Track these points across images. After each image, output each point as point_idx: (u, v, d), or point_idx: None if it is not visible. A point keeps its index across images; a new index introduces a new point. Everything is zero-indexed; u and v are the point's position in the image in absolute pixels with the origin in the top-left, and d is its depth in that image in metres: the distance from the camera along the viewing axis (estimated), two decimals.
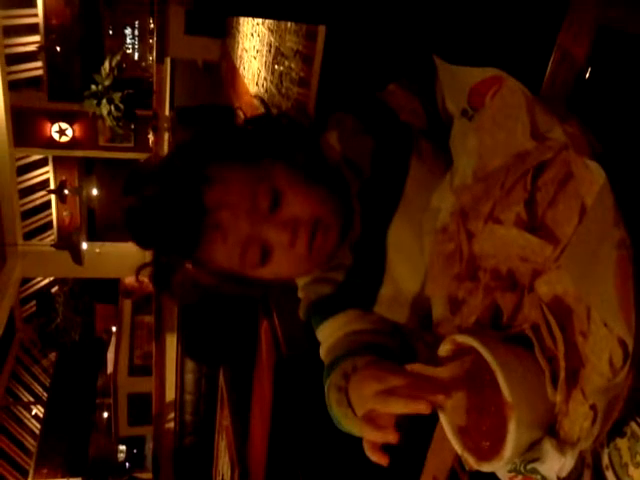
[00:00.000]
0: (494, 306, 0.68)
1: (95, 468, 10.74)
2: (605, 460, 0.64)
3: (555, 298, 0.61)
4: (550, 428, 0.65)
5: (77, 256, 7.73)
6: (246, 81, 4.98)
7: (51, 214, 11.22)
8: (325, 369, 0.98)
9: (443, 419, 0.71)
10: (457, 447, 0.70)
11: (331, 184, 0.97)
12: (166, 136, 7.94)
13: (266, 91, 3.74)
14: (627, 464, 0.62)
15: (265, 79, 3.89)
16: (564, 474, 0.61)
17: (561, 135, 0.59)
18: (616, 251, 0.49)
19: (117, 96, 9.23)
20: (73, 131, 10.21)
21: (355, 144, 1.00)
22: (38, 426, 11.32)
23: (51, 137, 10.13)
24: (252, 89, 4.38)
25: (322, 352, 1.02)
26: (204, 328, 4.20)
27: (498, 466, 0.66)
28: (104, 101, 9.24)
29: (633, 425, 0.61)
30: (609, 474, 0.64)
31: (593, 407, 0.58)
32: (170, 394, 5.75)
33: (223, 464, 4.15)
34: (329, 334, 1.00)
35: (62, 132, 10.14)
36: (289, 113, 1.07)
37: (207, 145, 0.98)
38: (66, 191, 10.59)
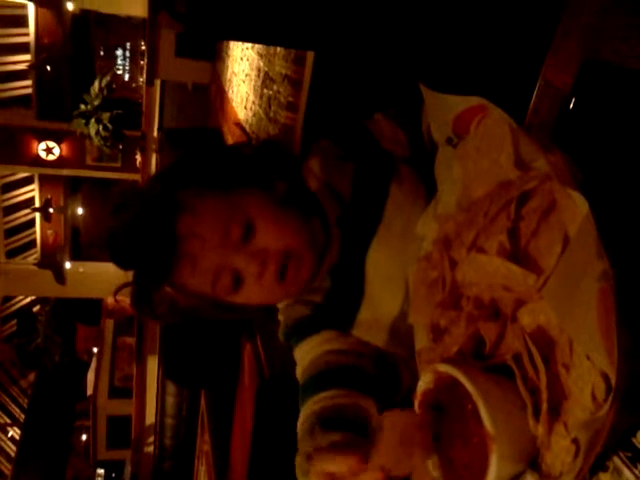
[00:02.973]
0: (477, 335, 0.67)
1: None
2: None
3: (538, 328, 0.61)
4: (532, 461, 0.64)
5: (60, 275, 7.65)
6: (234, 104, 5.00)
7: (35, 232, 11.13)
8: (300, 391, 0.98)
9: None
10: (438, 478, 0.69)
11: (310, 212, 0.98)
12: (154, 157, 7.93)
13: (254, 115, 3.76)
14: None
15: (253, 103, 3.91)
16: None
17: (545, 165, 0.59)
18: (599, 283, 0.49)
19: (106, 116, 9.24)
20: (60, 150, 10.18)
21: (336, 170, 1.00)
22: (14, 448, 11.09)
23: (38, 155, 10.09)
24: (240, 113, 4.40)
25: (298, 372, 1.02)
26: (186, 351, 4.16)
27: None
28: (92, 121, 9.24)
29: (616, 459, 0.60)
30: None
31: (575, 441, 0.57)
32: (150, 417, 5.67)
33: None
34: (305, 353, 1.00)
35: (49, 150, 10.11)
36: (273, 140, 1.08)
37: (184, 172, 0.99)
38: (51, 210, 10.52)
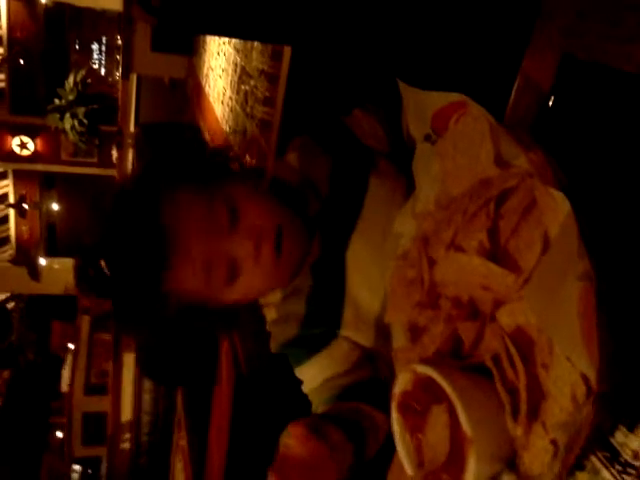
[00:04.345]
0: (455, 335, 0.67)
1: None
2: None
3: (517, 329, 0.60)
4: (510, 461, 0.64)
5: (34, 272, 7.54)
6: (211, 99, 4.95)
7: (9, 229, 10.96)
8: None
9: (401, 451, 0.69)
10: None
11: (290, 200, 0.97)
12: (130, 152, 7.85)
13: (231, 110, 3.73)
14: None
15: (230, 98, 3.87)
16: None
17: (525, 163, 0.58)
18: (580, 283, 0.48)
19: (81, 111, 9.11)
20: (35, 145, 10.02)
21: (314, 165, 1.00)
22: None
23: (12, 150, 9.92)
24: (217, 108, 4.36)
25: (305, 390, 1.03)
26: (162, 348, 4.12)
27: None
28: (67, 115, 9.10)
29: (593, 459, 0.59)
30: None
31: (554, 442, 0.57)
32: (126, 414, 5.62)
33: None
34: (310, 378, 1.01)
35: (23, 146, 9.95)
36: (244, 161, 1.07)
37: (165, 170, 0.97)
38: (25, 205, 10.36)
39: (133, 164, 7.38)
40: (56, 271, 8.47)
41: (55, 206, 10.09)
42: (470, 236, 0.64)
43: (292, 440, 0.77)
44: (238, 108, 3.53)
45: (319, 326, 1.01)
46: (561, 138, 0.73)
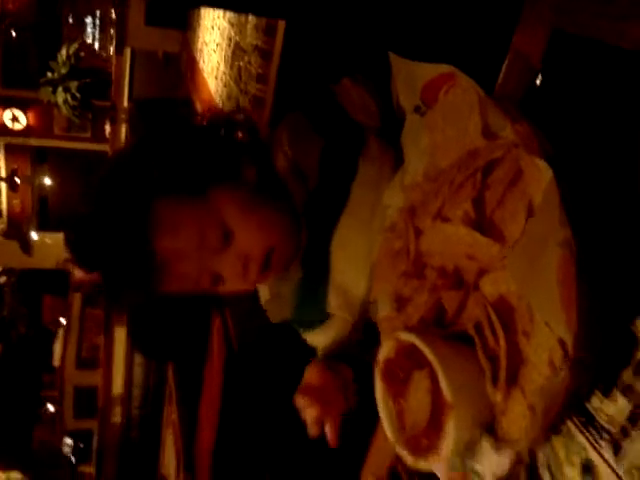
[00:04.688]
0: (439, 304, 0.68)
1: (37, 461, 10.47)
2: (541, 458, 0.65)
3: (499, 297, 0.61)
4: (489, 427, 0.65)
5: (26, 246, 7.52)
6: (205, 75, 4.91)
7: (0, 203, 10.90)
8: None
9: (383, 417, 0.71)
10: (396, 444, 0.70)
11: (280, 197, 0.97)
12: (124, 128, 7.79)
13: (225, 85, 3.71)
14: (562, 462, 0.62)
15: (224, 73, 3.84)
16: (501, 472, 0.62)
17: (512, 134, 0.59)
18: (560, 251, 0.49)
19: (74, 85, 9.00)
20: (27, 119, 9.91)
21: (304, 147, 0.98)
22: None
23: (3, 124, 9.82)
24: (211, 83, 4.33)
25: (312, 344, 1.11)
26: (154, 323, 4.14)
27: (435, 464, 0.66)
28: (60, 89, 9.00)
29: (569, 423, 0.61)
30: (544, 472, 0.64)
31: (532, 407, 0.58)
32: (117, 387, 5.65)
33: (169, 457, 4.10)
34: (316, 341, 1.09)
35: (15, 119, 9.84)
36: (240, 119, 1.05)
37: (152, 179, 0.93)
38: (17, 179, 10.29)
39: (126, 140, 7.33)
40: (48, 245, 8.45)
41: (47, 180, 10.01)
42: (456, 206, 0.65)
43: (313, 372, 0.98)
44: (232, 83, 3.51)
45: (310, 313, 1.05)
46: (549, 111, 0.73)
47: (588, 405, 0.59)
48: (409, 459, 0.68)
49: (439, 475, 0.78)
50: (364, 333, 1.07)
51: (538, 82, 0.77)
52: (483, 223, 0.62)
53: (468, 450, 0.65)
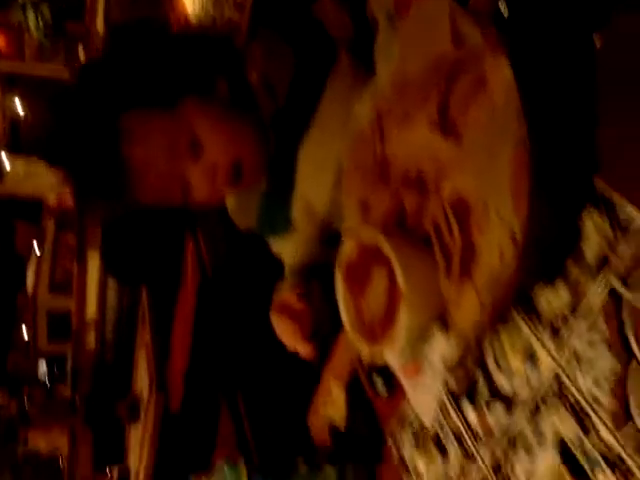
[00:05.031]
0: (401, 207, 0.71)
1: (13, 380, 10.59)
2: (488, 349, 0.70)
3: (458, 198, 0.65)
4: (442, 320, 0.70)
5: None
6: None
7: None
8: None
9: (343, 313, 0.75)
10: (353, 335, 0.74)
11: (250, 110, 0.99)
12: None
13: (202, 7, 3.62)
14: (506, 350, 0.68)
15: None
16: (450, 359, 0.67)
17: (479, 39, 0.61)
18: (515, 146, 0.53)
19: (45, 6, 8.64)
20: None
21: (276, 61, 1.00)
22: None
23: None
24: (188, 4, 4.22)
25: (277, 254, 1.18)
26: (126, 246, 4.15)
27: (390, 354, 0.71)
28: (31, 11, 8.63)
29: (515, 315, 0.66)
30: (489, 360, 0.70)
31: (481, 299, 0.63)
32: (91, 310, 5.70)
33: (142, 378, 4.19)
34: (285, 252, 1.15)
35: None
36: (211, 30, 1.06)
37: (121, 90, 0.95)
38: None
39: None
40: (22, 173, 8.29)
41: (19, 105, 9.69)
42: (422, 112, 0.67)
43: (285, 291, 1.06)
44: (209, 5, 3.44)
45: (273, 224, 1.11)
46: (522, 24, 0.74)
47: (533, 296, 0.64)
48: (365, 350, 0.74)
49: (393, 367, 0.84)
50: (331, 244, 1.12)
51: None
52: (446, 127, 0.65)
53: (420, 339, 0.71)
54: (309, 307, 1.02)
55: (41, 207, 9.11)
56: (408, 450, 0.87)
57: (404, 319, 0.65)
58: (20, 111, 10.01)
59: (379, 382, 0.89)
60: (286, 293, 1.06)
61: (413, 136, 0.69)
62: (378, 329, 0.70)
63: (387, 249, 0.66)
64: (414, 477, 0.86)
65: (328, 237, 1.10)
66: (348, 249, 0.74)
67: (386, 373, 0.88)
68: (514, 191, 0.54)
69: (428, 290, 0.66)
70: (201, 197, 0.99)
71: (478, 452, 0.72)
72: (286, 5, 1.10)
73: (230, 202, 1.14)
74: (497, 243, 0.59)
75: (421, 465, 0.84)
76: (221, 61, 1.01)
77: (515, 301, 0.64)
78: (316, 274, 1.06)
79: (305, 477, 0.94)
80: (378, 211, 0.75)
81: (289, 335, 1.04)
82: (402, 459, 0.88)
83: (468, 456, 0.74)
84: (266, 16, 1.10)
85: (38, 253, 8.32)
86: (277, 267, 1.22)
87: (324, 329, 1.04)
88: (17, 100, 10.07)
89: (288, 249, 1.15)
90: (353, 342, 0.76)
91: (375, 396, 0.91)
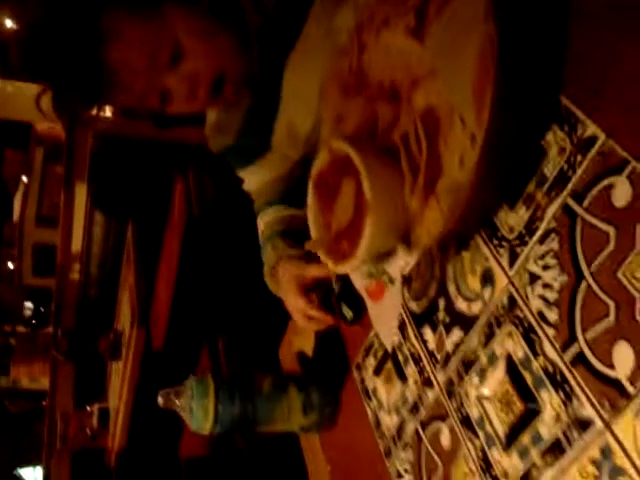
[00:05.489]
0: (373, 117, 0.70)
1: None
2: (449, 272, 0.70)
3: (428, 109, 0.63)
4: (406, 238, 0.69)
5: None
6: None
7: None
8: (255, 204, 1.16)
9: (311, 222, 0.75)
10: (320, 250, 0.74)
11: (235, 20, 0.95)
12: None
13: None
14: (466, 273, 0.67)
15: None
16: (407, 270, 0.66)
17: None
18: (481, 44, 0.51)
19: None
20: None
21: None
22: None
23: None
24: None
25: (246, 189, 1.17)
26: (115, 180, 4.11)
27: (353, 266, 0.70)
28: None
29: (477, 238, 0.66)
30: (450, 284, 0.70)
31: (442, 211, 0.62)
32: (77, 246, 5.67)
33: (125, 315, 4.21)
34: (249, 181, 1.14)
35: None
36: None
37: None
38: None
39: None
40: (10, 94, 8.15)
41: (8, 23, 9.43)
42: (399, 18, 0.65)
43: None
44: None
45: (252, 140, 1.07)
46: None
47: (495, 219, 0.63)
48: (330, 264, 0.73)
49: (356, 285, 0.84)
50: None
51: None
52: (422, 33, 0.63)
53: (384, 256, 0.70)
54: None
55: (29, 132, 8.97)
56: (370, 377, 0.87)
57: (369, 230, 0.64)
58: (9, 28, 9.77)
59: (345, 307, 0.89)
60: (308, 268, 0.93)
61: (389, 41, 0.67)
62: (344, 244, 0.69)
63: (357, 160, 0.65)
64: (375, 402, 0.86)
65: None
66: (320, 160, 0.73)
67: (354, 299, 0.88)
68: (476, 90, 0.52)
69: (394, 204, 0.65)
70: (180, 107, 0.96)
71: (435, 376, 0.72)
72: None
73: (210, 117, 1.11)
74: (458, 148, 0.58)
75: (381, 391, 0.85)
76: None
77: (477, 224, 0.63)
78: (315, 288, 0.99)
79: (270, 396, 0.95)
80: (351, 122, 0.73)
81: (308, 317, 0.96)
82: (364, 385, 0.89)
83: (425, 380, 0.74)
84: None
85: (26, 181, 8.22)
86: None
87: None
88: (7, 19, 9.83)
89: (257, 178, 1.12)
90: (320, 256, 0.75)
91: (342, 322, 0.91)
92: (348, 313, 0.90)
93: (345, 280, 0.87)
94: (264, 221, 1.13)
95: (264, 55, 0.97)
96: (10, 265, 11.41)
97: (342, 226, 0.69)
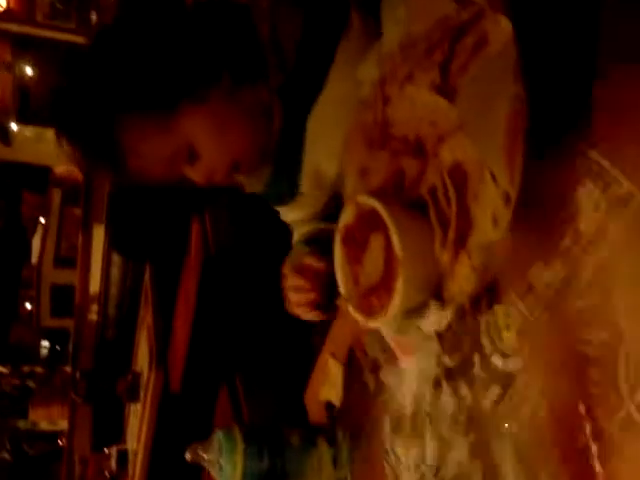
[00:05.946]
0: (399, 172, 0.70)
1: (14, 356, 10.66)
2: (483, 326, 0.68)
3: (455, 164, 0.63)
4: (437, 292, 0.68)
5: (5, 136, 7.38)
6: None
7: None
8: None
9: (339, 278, 0.74)
10: (350, 305, 0.73)
11: (255, 84, 0.96)
12: (111, 19, 7.49)
13: None
14: (500, 328, 0.66)
15: None
16: (442, 327, 0.65)
17: None
18: (510, 105, 0.51)
19: None
20: (7, 1, 9.47)
21: (283, 15, 0.95)
22: None
23: None
24: None
25: (284, 219, 1.21)
26: (133, 222, 4.15)
27: (384, 322, 0.69)
28: None
29: (510, 292, 0.64)
30: (484, 338, 0.68)
31: (475, 268, 0.61)
32: (94, 286, 5.70)
33: (143, 355, 4.20)
34: (288, 216, 1.18)
35: None
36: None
37: (122, 88, 0.91)
38: None
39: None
40: (28, 139, 8.30)
41: (29, 71, 9.65)
42: (423, 73, 0.65)
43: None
44: None
45: (281, 188, 1.09)
46: None
47: (529, 274, 0.62)
48: (360, 319, 0.72)
49: (387, 338, 0.83)
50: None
51: None
52: (447, 89, 0.63)
53: (415, 312, 0.69)
54: (329, 266, 0.97)
55: (47, 175, 9.11)
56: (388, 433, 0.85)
57: (400, 286, 0.63)
58: (30, 76, 9.99)
59: None
60: (306, 257, 1.05)
61: (414, 96, 0.67)
62: (374, 299, 0.68)
63: (384, 215, 0.64)
64: (392, 459, 0.84)
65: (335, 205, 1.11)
66: (347, 214, 0.72)
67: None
68: (508, 149, 0.52)
69: (424, 259, 0.64)
70: (200, 186, 1.00)
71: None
72: None
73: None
74: (490, 205, 0.57)
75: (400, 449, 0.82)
76: (236, 47, 0.96)
77: (511, 279, 0.62)
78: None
79: (299, 450, 0.93)
80: (377, 176, 0.73)
81: (301, 296, 1.04)
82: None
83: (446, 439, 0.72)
84: None
85: (44, 223, 8.32)
86: (280, 249, 1.22)
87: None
88: (28, 67, 10.05)
89: (294, 214, 1.16)
90: (349, 311, 0.74)
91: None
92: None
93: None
94: (298, 233, 1.19)
95: (287, 109, 0.97)
96: (28, 306, 11.48)
97: (372, 281, 0.68)
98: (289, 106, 0.98)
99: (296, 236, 1.19)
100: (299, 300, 1.04)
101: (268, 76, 0.96)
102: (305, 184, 1.06)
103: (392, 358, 0.84)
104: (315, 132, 0.99)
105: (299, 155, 1.02)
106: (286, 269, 1.06)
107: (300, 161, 1.03)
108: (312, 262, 1.03)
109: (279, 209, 1.19)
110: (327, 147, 0.99)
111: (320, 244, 1.08)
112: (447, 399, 0.72)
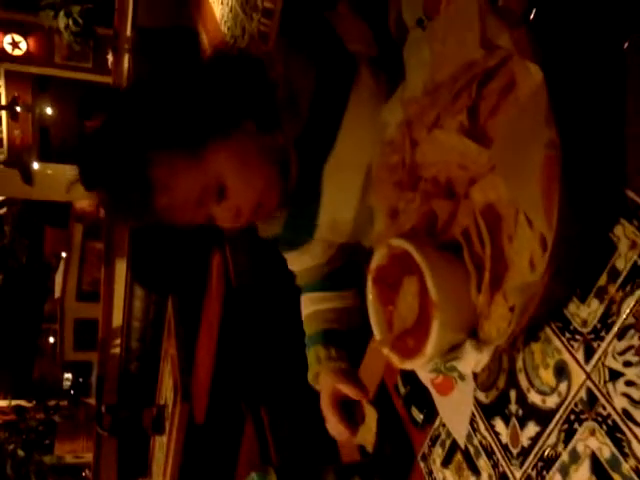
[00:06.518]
0: (430, 214, 0.70)
1: (38, 390, 10.71)
2: (519, 364, 0.68)
3: (487, 205, 0.63)
4: (472, 332, 0.68)
5: (27, 176, 7.50)
6: (211, 0, 4.80)
7: (1, 132, 10.78)
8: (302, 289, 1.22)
9: (373, 320, 0.74)
10: (384, 347, 0.73)
11: (274, 136, 0.98)
12: (126, 58, 7.63)
13: (230, 10, 3.65)
14: (538, 366, 0.65)
15: None
16: (479, 369, 0.65)
17: (507, 41, 0.59)
18: (545, 151, 0.51)
19: (76, 9, 8.75)
20: (27, 45, 9.70)
21: (297, 69, 0.98)
22: None
23: (3, 49, 9.60)
24: (216, 9, 4.27)
25: (290, 268, 1.23)
26: (154, 255, 4.18)
27: (420, 364, 0.69)
28: (61, 14, 8.75)
29: (547, 330, 0.64)
30: (521, 376, 0.68)
31: (512, 309, 0.61)
32: (117, 320, 5.73)
33: (167, 389, 4.20)
34: (292, 264, 1.21)
35: (15, 45, 9.60)
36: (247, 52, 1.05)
37: (152, 129, 0.94)
38: (18, 108, 10.15)
39: (129, 71, 7.19)
40: (49, 176, 8.43)
41: (49, 110, 9.84)
42: (452, 117, 0.66)
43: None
44: (238, 8, 3.45)
45: (298, 231, 1.13)
46: (551, 20, 0.72)
47: (565, 311, 0.62)
48: (396, 360, 0.72)
49: (422, 379, 0.82)
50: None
51: None
52: (476, 132, 0.63)
53: (451, 352, 0.69)
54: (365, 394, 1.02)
55: (68, 211, 9.24)
56: (438, 468, 0.85)
57: (436, 330, 0.63)
58: (49, 115, 10.15)
59: (415, 410, 0.88)
60: (341, 385, 1.05)
61: (443, 140, 0.67)
62: (409, 340, 0.68)
63: (418, 259, 0.64)
64: None
65: (349, 250, 1.15)
66: (379, 257, 0.73)
67: (423, 401, 0.86)
68: (545, 195, 0.52)
69: (459, 301, 0.65)
70: (224, 227, 1.02)
71: (511, 470, 0.70)
72: (306, 16, 1.09)
73: None
74: (527, 249, 0.58)
75: None
76: (253, 97, 0.98)
77: (547, 316, 0.62)
78: None
79: None
80: (408, 217, 0.73)
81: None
82: (432, 477, 0.86)
83: (501, 475, 0.72)
84: (286, 24, 1.10)
85: (65, 260, 8.39)
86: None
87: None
88: (48, 108, 10.23)
89: (301, 261, 1.18)
90: (383, 353, 0.74)
91: (411, 425, 0.90)
92: (418, 416, 0.88)
93: (413, 382, 0.86)
94: (305, 313, 1.20)
95: (303, 159, 1.00)
96: (51, 340, 11.55)
97: (407, 324, 0.68)
98: (305, 155, 1.00)
99: (304, 310, 1.21)
100: (341, 440, 1.09)
101: (283, 127, 0.99)
102: (321, 229, 1.09)
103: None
104: (331, 178, 1.02)
105: (316, 201, 1.05)
106: (324, 406, 1.07)
107: (317, 208, 1.06)
108: (347, 391, 1.03)
109: (287, 256, 1.20)
110: (345, 194, 1.02)
111: (338, 340, 1.12)
112: (484, 434, 0.71)
